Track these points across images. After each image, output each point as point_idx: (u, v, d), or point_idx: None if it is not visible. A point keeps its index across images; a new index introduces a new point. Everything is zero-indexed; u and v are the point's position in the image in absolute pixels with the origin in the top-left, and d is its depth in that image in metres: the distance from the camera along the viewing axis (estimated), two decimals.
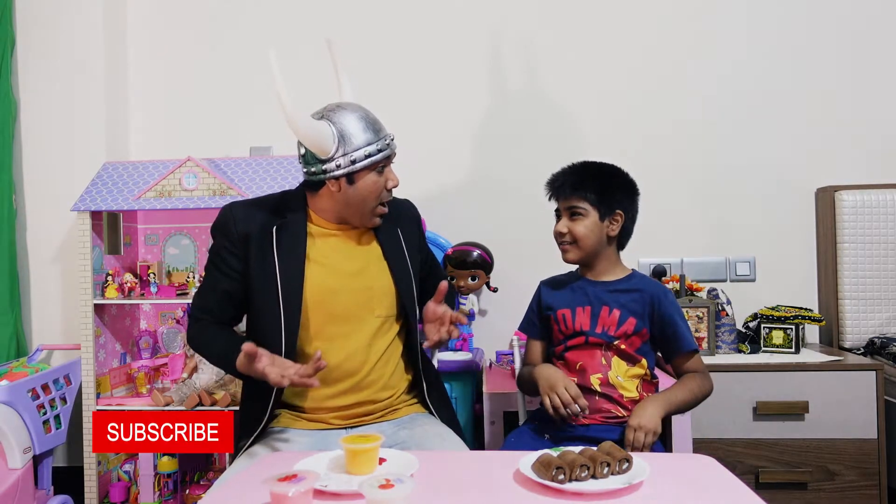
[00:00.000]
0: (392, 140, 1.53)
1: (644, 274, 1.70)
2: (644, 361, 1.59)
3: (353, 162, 1.45)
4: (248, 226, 1.53)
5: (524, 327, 1.75)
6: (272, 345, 1.46)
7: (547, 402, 1.49)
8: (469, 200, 2.77)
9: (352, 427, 1.54)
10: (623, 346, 1.57)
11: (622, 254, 1.68)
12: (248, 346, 1.34)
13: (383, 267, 1.58)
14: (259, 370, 1.35)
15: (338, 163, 1.46)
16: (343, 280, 1.54)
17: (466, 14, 2.78)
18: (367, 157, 1.46)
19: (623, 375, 1.57)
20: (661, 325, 1.59)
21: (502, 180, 2.76)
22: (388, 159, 1.51)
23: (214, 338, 1.53)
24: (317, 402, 1.52)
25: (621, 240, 1.65)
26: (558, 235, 1.63)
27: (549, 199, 1.67)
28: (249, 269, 1.52)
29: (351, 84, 1.62)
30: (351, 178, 1.48)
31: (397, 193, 1.68)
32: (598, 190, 1.58)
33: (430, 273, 1.74)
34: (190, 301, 2.45)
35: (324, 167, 1.47)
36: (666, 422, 1.78)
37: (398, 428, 1.53)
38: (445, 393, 1.70)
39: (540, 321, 1.70)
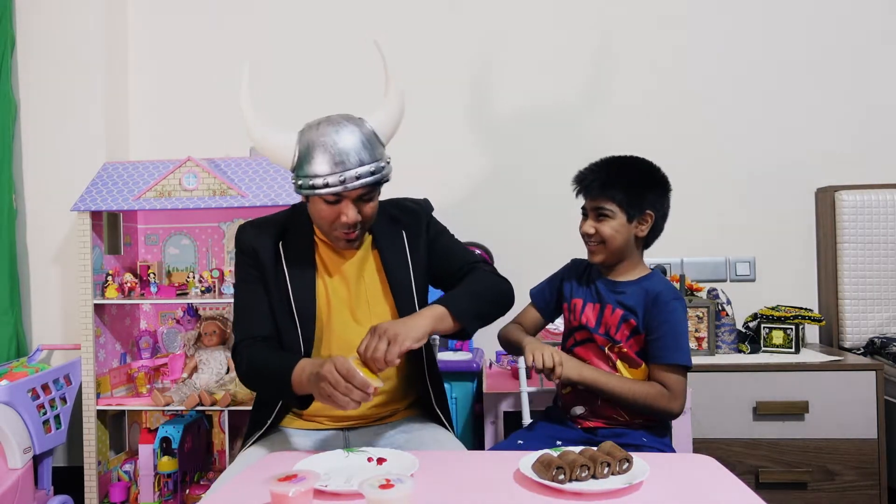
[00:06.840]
0: (352, 181, 1.36)
1: (665, 278, 1.61)
2: (644, 367, 1.55)
3: (300, 187, 1.41)
4: (259, 243, 1.52)
5: (536, 291, 1.70)
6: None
7: (530, 358, 1.46)
8: (470, 200, 2.77)
9: (346, 429, 1.54)
10: (625, 350, 1.54)
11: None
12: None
13: (386, 285, 1.54)
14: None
15: (293, 179, 1.44)
16: (352, 291, 1.53)
17: (469, 17, 2.78)
18: (311, 187, 1.38)
19: None
20: (648, 327, 1.51)
21: (504, 180, 2.76)
22: (338, 195, 1.38)
23: (268, 361, 1.43)
24: (317, 410, 1.50)
25: (649, 239, 1.59)
26: (585, 236, 1.57)
27: (577, 195, 1.59)
28: (267, 286, 1.52)
29: (396, 86, 1.50)
30: (307, 197, 1.45)
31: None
32: (625, 190, 1.51)
33: (441, 267, 1.60)
34: (189, 301, 2.48)
35: (291, 178, 1.46)
36: (665, 423, 1.77)
37: (395, 431, 1.53)
38: (447, 403, 1.68)
39: (552, 294, 1.67)
